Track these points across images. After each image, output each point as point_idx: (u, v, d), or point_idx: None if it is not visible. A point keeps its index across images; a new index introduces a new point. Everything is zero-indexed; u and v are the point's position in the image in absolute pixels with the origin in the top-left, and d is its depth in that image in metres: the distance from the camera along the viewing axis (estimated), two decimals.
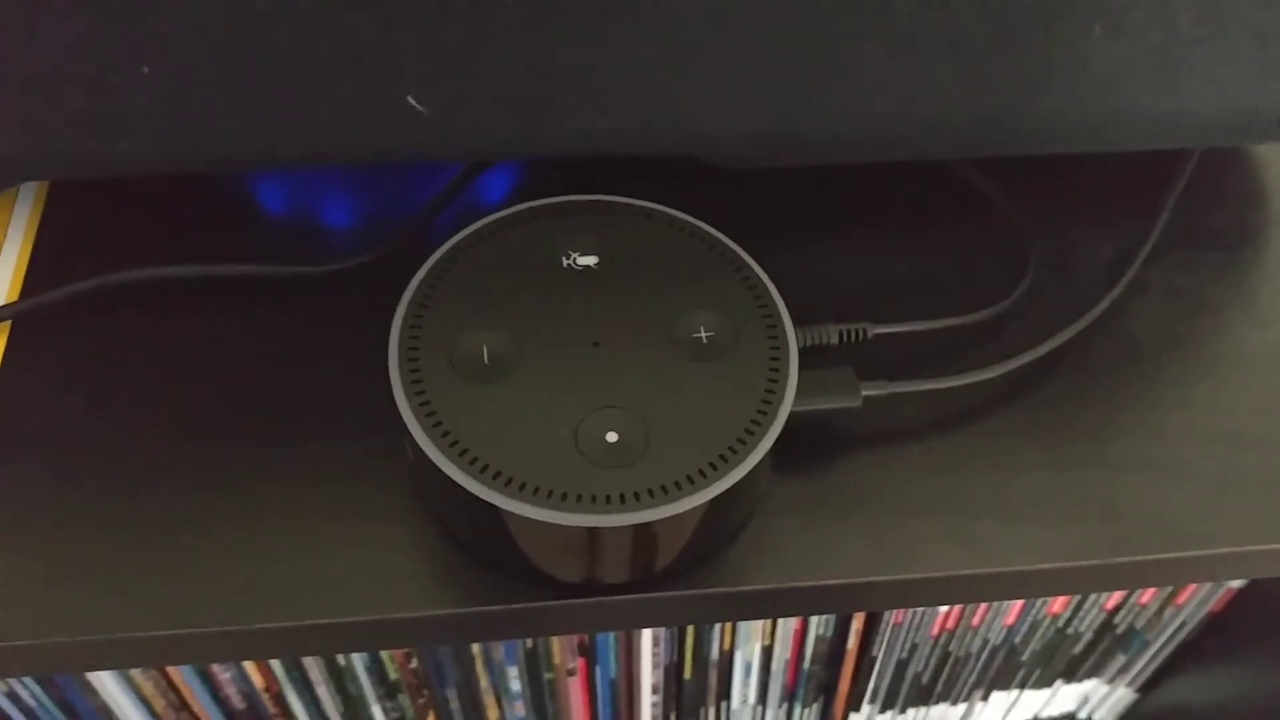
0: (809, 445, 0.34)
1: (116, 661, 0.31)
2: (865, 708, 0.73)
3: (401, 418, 0.29)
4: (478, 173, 0.40)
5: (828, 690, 0.71)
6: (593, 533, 0.28)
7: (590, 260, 0.33)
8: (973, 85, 0.33)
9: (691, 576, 0.32)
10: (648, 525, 0.28)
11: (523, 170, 0.42)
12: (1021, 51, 0.32)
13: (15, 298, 0.37)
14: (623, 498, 0.28)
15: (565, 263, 0.33)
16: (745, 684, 0.68)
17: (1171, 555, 0.33)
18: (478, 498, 0.28)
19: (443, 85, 0.31)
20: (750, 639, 0.64)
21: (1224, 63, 0.33)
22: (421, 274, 0.32)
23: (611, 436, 0.29)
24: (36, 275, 0.38)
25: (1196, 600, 0.67)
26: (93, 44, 0.29)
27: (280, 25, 0.29)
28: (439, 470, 0.28)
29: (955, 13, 0.31)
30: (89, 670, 0.32)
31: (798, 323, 0.33)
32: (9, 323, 0.36)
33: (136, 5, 0.28)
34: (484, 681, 0.63)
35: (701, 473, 0.28)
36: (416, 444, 0.29)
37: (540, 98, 0.32)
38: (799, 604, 0.33)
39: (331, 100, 0.31)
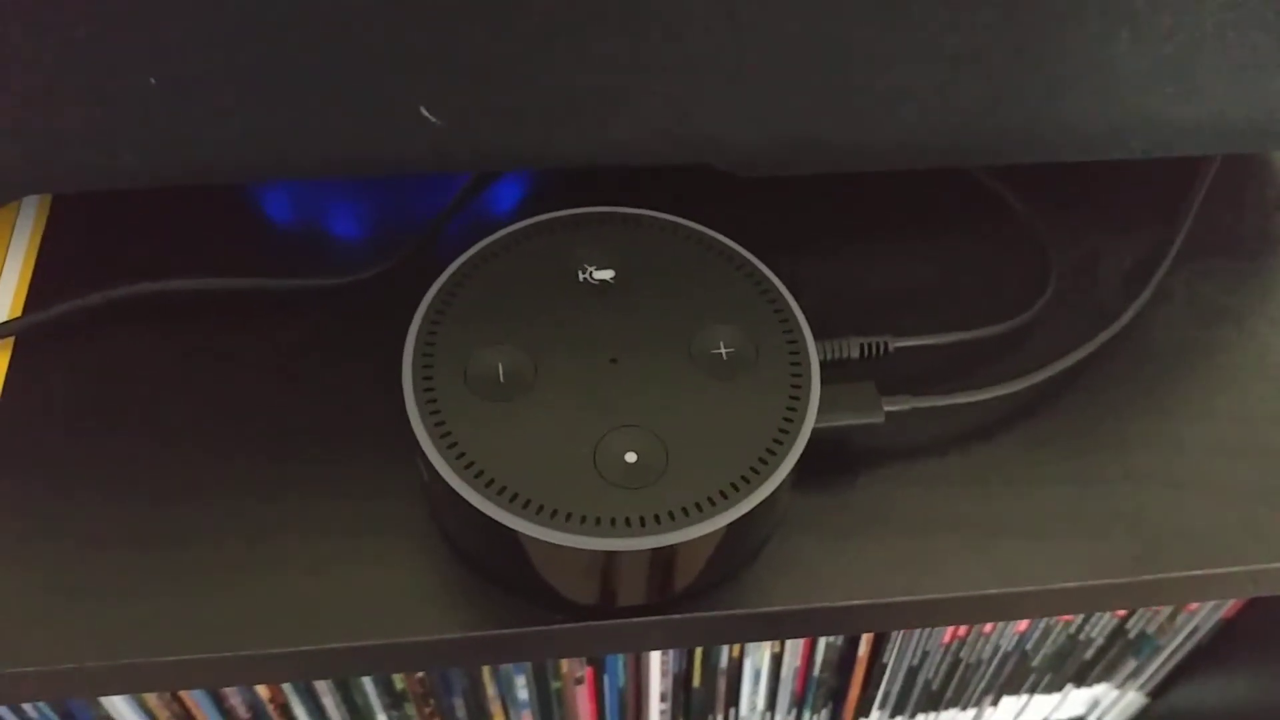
0: (829, 461, 0.34)
1: (123, 687, 0.30)
2: (875, 713, 0.72)
3: (416, 438, 0.28)
4: (488, 182, 0.40)
5: (837, 697, 0.70)
6: (612, 556, 0.27)
7: (607, 274, 0.32)
8: (995, 92, 0.32)
9: (710, 596, 0.31)
10: (668, 548, 0.27)
11: (535, 180, 0.41)
12: (1046, 58, 0.31)
13: (18, 313, 0.36)
14: (642, 520, 0.27)
15: (581, 277, 0.32)
16: (754, 691, 0.68)
17: (1198, 572, 0.32)
18: (494, 520, 0.27)
19: (456, 95, 0.30)
20: (760, 647, 0.64)
21: (1247, 69, 0.33)
22: (434, 290, 0.31)
23: (630, 456, 0.28)
24: (40, 290, 0.37)
25: (1209, 606, 0.66)
26: (97, 55, 0.28)
27: (290, 35, 0.28)
28: (454, 492, 0.28)
29: (977, 19, 0.30)
30: (95, 695, 0.32)
31: (818, 336, 0.32)
32: (12, 339, 0.35)
33: (142, 15, 0.27)
34: (491, 690, 0.63)
35: (723, 494, 0.28)
36: (431, 465, 0.28)
37: (555, 107, 0.31)
38: (820, 625, 0.32)
39: (342, 111, 0.30)
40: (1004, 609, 0.33)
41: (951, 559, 0.32)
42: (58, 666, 0.29)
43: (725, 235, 0.33)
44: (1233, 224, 0.41)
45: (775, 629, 0.32)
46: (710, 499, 0.28)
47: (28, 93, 0.29)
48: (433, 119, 0.31)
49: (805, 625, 0.32)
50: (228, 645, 0.30)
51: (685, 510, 0.27)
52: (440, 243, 0.38)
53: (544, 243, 0.33)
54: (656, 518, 0.27)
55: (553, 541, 0.27)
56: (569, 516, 0.27)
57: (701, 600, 0.31)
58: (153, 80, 0.29)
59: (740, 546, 0.31)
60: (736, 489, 0.28)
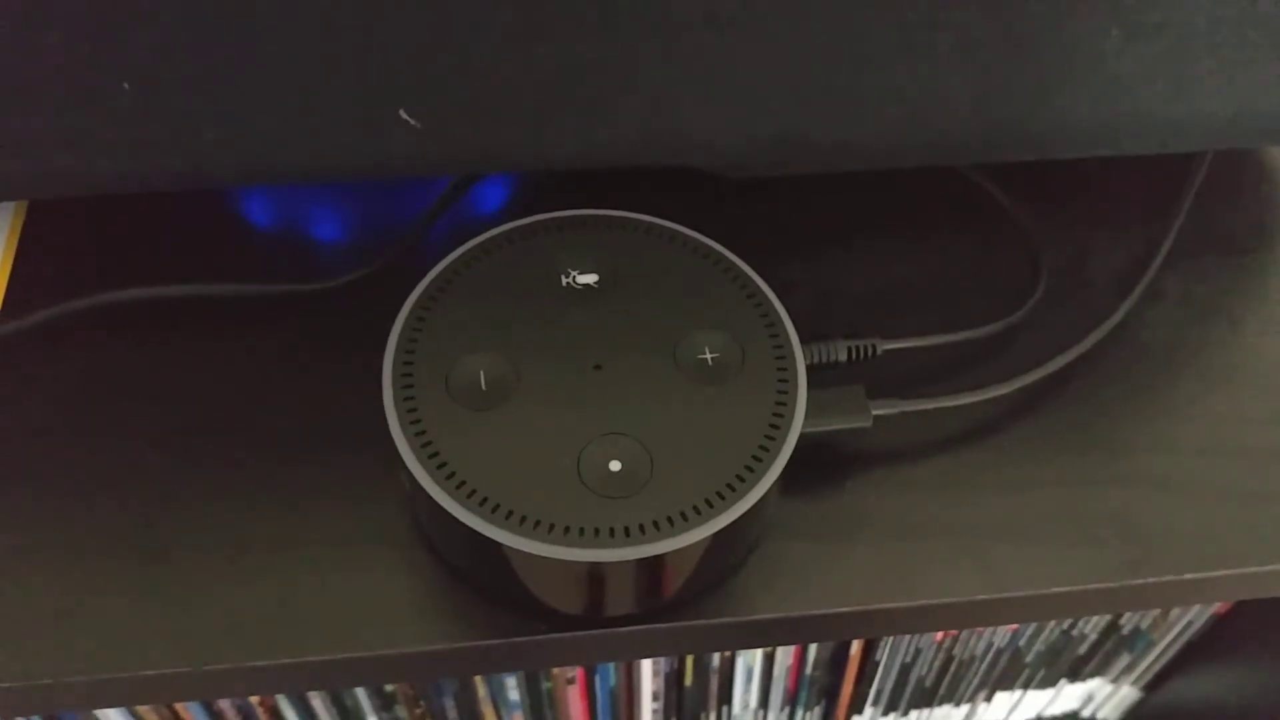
0: (817, 466, 0.33)
1: (105, 701, 0.30)
2: (868, 710, 0.72)
3: (397, 449, 0.28)
4: (471, 185, 0.39)
5: (830, 694, 0.70)
6: (596, 567, 0.27)
7: (590, 278, 0.32)
8: (984, 90, 0.32)
9: (698, 605, 0.31)
10: (653, 558, 0.27)
11: (518, 182, 0.40)
12: (1036, 56, 0.31)
13: None
14: (627, 531, 0.27)
15: (564, 281, 0.31)
16: (747, 690, 0.67)
17: (1192, 576, 0.32)
18: (477, 532, 0.27)
19: (436, 98, 0.30)
20: None
21: (1239, 65, 0.32)
22: (415, 295, 0.31)
23: (615, 465, 0.28)
24: (16, 297, 0.36)
25: None
26: (72, 59, 0.28)
27: (267, 39, 0.28)
28: (437, 504, 0.27)
29: (967, 16, 0.30)
30: (81, 709, 0.31)
31: (805, 340, 0.31)
32: None
33: (117, 19, 0.27)
34: (482, 692, 0.63)
35: (709, 502, 0.27)
36: (413, 476, 0.28)
37: (537, 110, 0.30)
38: (808, 632, 0.32)
39: (322, 115, 0.30)
40: (994, 614, 0.32)
41: (941, 564, 0.32)
42: (38, 682, 0.29)
43: (710, 238, 0.33)
44: (1225, 221, 0.41)
45: (763, 637, 0.32)
46: (696, 508, 0.27)
47: (0, 99, 0.28)
48: (413, 122, 0.30)
49: (793, 633, 0.32)
50: (211, 658, 0.29)
51: (670, 519, 0.27)
52: (422, 247, 0.38)
53: (526, 247, 0.32)
54: (641, 527, 0.27)
55: (537, 553, 0.27)
56: (552, 528, 0.27)
57: (689, 609, 0.31)
58: (127, 85, 0.28)
59: (727, 554, 0.30)
60: (722, 497, 0.28)
